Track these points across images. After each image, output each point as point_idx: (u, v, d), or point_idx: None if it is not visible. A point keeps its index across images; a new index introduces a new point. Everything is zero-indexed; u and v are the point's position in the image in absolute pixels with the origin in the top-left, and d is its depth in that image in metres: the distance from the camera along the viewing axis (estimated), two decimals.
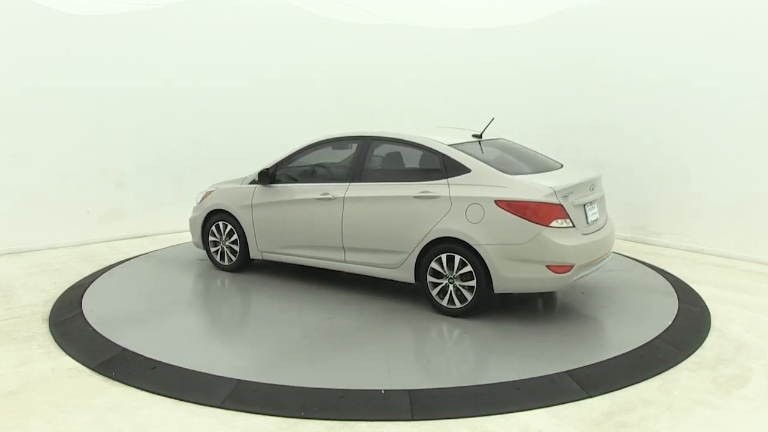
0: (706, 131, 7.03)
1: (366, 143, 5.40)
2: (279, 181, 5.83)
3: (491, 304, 5.11)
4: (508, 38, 9.13)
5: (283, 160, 5.85)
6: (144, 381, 3.79)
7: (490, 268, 4.57)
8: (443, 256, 4.77)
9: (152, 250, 7.23)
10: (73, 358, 4.20)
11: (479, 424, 3.30)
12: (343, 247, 5.34)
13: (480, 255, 4.58)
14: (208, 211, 6.26)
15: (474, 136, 5.40)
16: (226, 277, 6.15)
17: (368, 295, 5.40)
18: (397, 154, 5.37)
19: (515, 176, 4.71)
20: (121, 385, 3.78)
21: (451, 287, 4.78)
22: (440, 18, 9.50)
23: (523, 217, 4.46)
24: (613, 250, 5.29)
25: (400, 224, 4.96)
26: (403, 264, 5.02)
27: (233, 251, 6.18)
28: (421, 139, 5.14)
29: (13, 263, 6.69)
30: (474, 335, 4.50)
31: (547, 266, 4.45)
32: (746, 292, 5.61)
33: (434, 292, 4.88)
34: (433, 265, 4.83)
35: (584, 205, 4.79)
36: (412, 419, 3.35)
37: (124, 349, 4.22)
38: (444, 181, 4.85)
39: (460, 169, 4.83)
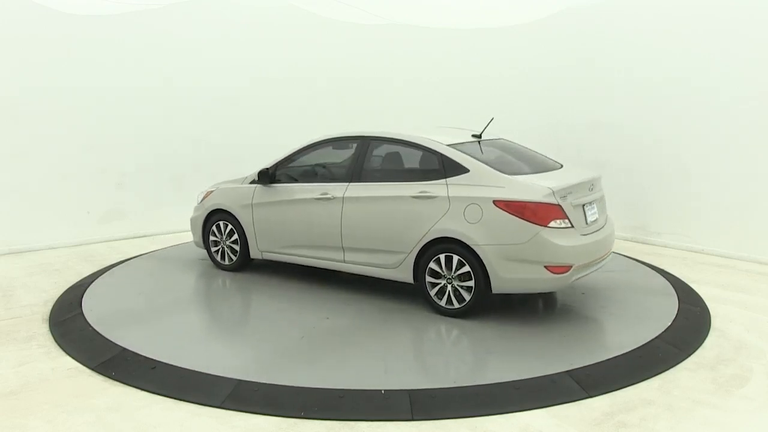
0: (706, 131, 7.03)
1: (365, 143, 5.40)
2: (279, 181, 5.84)
3: (492, 304, 5.11)
4: (508, 38, 9.13)
5: (282, 159, 5.86)
6: (144, 381, 3.79)
7: (488, 269, 4.56)
8: (441, 257, 4.77)
9: (152, 250, 7.23)
10: (73, 358, 4.20)
11: (479, 424, 3.30)
12: (342, 247, 5.34)
13: (478, 255, 4.58)
14: (208, 211, 6.28)
15: (473, 136, 5.40)
16: (227, 276, 6.15)
17: (367, 295, 5.40)
18: (396, 154, 5.37)
19: (514, 176, 4.70)
20: (121, 385, 3.78)
21: (449, 287, 4.78)
22: (440, 18, 9.50)
23: (521, 218, 4.45)
24: (613, 250, 5.29)
25: (398, 224, 4.96)
26: (401, 264, 5.02)
27: (234, 251, 6.19)
28: (420, 139, 5.14)
29: (13, 263, 6.69)
30: (473, 335, 4.50)
31: (545, 267, 4.45)
32: (746, 292, 5.61)
33: (433, 292, 4.88)
34: (432, 265, 4.83)
35: (583, 206, 4.78)
36: (412, 419, 3.35)
37: (124, 349, 4.22)
38: (442, 181, 4.85)
39: (458, 169, 4.82)
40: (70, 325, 4.75)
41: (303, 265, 5.88)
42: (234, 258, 6.20)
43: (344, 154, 5.62)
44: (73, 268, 6.47)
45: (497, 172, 4.72)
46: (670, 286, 5.66)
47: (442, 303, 4.83)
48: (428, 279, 4.88)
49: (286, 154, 5.86)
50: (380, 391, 3.59)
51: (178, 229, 8.12)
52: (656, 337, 4.39)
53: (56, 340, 4.51)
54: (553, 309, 5.11)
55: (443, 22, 9.49)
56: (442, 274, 4.79)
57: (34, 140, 7.22)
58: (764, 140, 6.55)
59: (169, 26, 8.16)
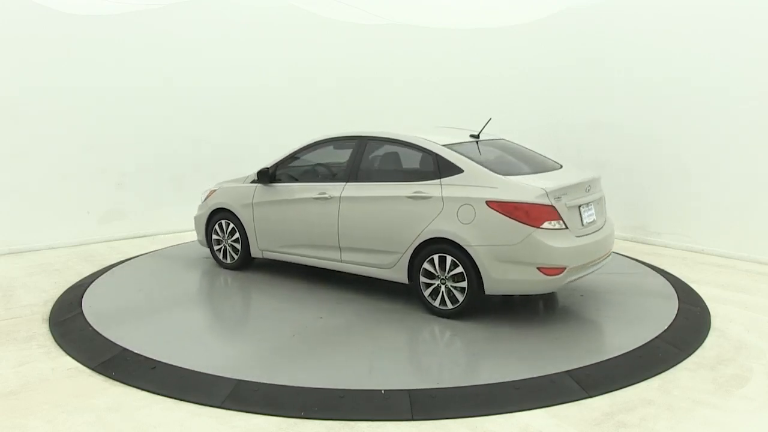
0: (706, 131, 7.03)
1: (362, 143, 5.40)
2: (279, 181, 5.86)
3: (492, 305, 5.11)
4: (508, 38, 9.13)
5: (282, 159, 5.89)
6: (144, 381, 3.79)
7: (480, 270, 4.54)
8: (435, 257, 4.75)
9: (152, 250, 7.24)
10: (73, 358, 4.20)
11: (479, 424, 3.30)
12: (339, 247, 5.35)
13: (471, 256, 4.56)
14: (211, 210, 6.34)
15: (471, 136, 5.39)
16: (228, 275, 6.17)
17: (364, 295, 5.41)
18: (392, 154, 5.37)
19: (507, 177, 4.66)
20: (121, 385, 3.78)
21: (443, 288, 4.77)
22: (440, 18, 9.50)
23: (513, 218, 4.43)
24: (613, 250, 5.28)
25: (393, 224, 4.96)
26: (396, 264, 5.01)
27: (235, 250, 6.22)
28: (415, 139, 5.13)
29: (13, 263, 6.69)
30: (466, 336, 4.48)
31: (538, 268, 4.41)
32: (746, 292, 5.61)
33: (427, 292, 4.87)
34: (426, 265, 4.82)
35: (579, 207, 4.73)
36: (412, 419, 3.35)
37: (124, 349, 4.22)
38: (437, 181, 4.84)
39: (452, 170, 4.81)
40: (70, 325, 4.75)
41: (303, 265, 5.88)
42: (235, 257, 6.22)
43: (342, 154, 5.63)
44: (73, 268, 6.47)
45: (491, 173, 4.69)
46: (670, 286, 5.66)
47: (436, 303, 4.82)
48: (422, 279, 4.87)
49: (286, 154, 5.88)
50: (380, 391, 3.59)
51: (178, 229, 8.13)
52: (656, 337, 4.39)
53: (56, 340, 4.51)
54: (553, 310, 5.11)
55: (443, 22, 9.49)
56: (436, 274, 4.78)
57: (34, 140, 7.22)
58: (764, 140, 6.55)
59: (169, 26, 8.16)
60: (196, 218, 6.58)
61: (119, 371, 3.93)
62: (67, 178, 7.49)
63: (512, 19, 9.11)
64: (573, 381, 3.72)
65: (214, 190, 6.44)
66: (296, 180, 5.81)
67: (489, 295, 4.79)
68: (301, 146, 5.82)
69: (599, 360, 4.01)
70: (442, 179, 4.82)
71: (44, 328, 4.76)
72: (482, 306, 5.01)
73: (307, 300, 5.33)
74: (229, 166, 8.06)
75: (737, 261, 6.69)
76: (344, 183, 5.34)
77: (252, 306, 5.51)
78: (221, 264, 6.40)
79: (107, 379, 3.87)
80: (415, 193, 4.88)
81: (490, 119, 5.52)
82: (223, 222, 6.25)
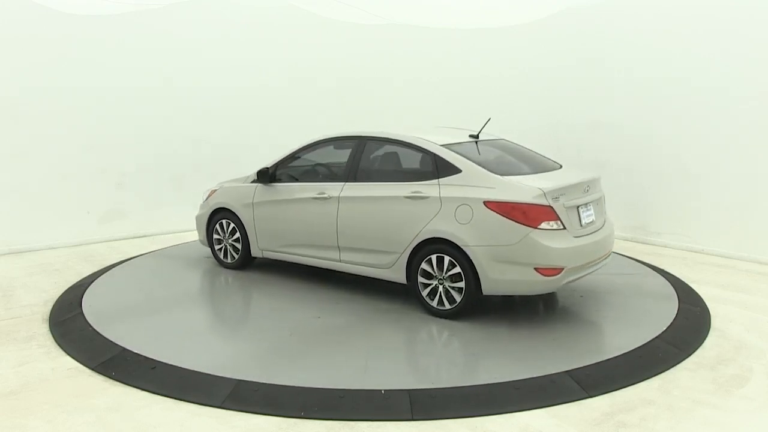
0: (706, 131, 7.03)
1: (361, 143, 5.40)
2: (279, 180, 5.87)
3: (492, 305, 5.11)
4: (508, 38, 9.13)
5: (282, 159, 5.89)
6: (144, 381, 3.79)
7: (478, 270, 4.53)
8: (433, 257, 4.75)
9: (152, 250, 7.24)
10: (73, 358, 4.20)
11: (479, 424, 3.30)
12: (338, 247, 5.35)
13: (468, 256, 4.55)
14: (212, 209, 6.36)
15: (471, 136, 5.39)
16: (229, 275, 6.18)
17: (363, 294, 5.41)
18: (391, 154, 5.36)
19: (505, 177, 4.65)
20: (121, 385, 3.78)
21: (440, 288, 4.76)
22: (440, 18, 9.50)
23: (511, 219, 4.41)
24: (613, 250, 5.27)
25: (392, 224, 4.96)
26: (395, 264, 5.01)
27: (236, 249, 6.23)
28: (414, 138, 5.13)
29: (13, 263, 6.69)
30: (462, 336, 4.47)
31: (535, 269, 4.40)
32: (746, 292, 5.61)
33: (425, 292, 4.86)
34: (424, 265, 4.81)
35: (578, 207, 4.71)
36: (412, 419, 3.35)
37: (124, 349, 4.22)
38: (435, 181, 4.83)
39: (450, 170, 4.80)
40: (70, 325, 4.75)
41: (303, 264, 5.88)
42: (236, 256, 6.24)
43: (341, 154, 5.63)
44: (73, 268, 6.47)
45: (488, 173, 4.67)
46: (670, 286, 5.66)
47: (434, 304, 4.81)
48: (420, 279, 4.86)
49: (286, 154, 5.88)
50: (380, 391, 3.59)
51: (179, 229, 8.13)
52: (656, 337, 4.39)
53: (56, 340, 4.51)
54: (553, 310, 5.11)
55: (443, 22, 9.49)
56: (434, 274, 4.78)
57: (34, 140, 7.22)
58: (764, 140, 6.55)
59: (169, 26, 8.16)
60: (197, 218, 6.61)
61: (119, 371, 3.93)
62: (67, 178, 7.49)
63: (512, 19, 9.11)
64: (573, 381, 3.72)
65: (215, 190, 6.45)
66: (296, 180, 5.81)
67: (490, 296, 4.80)
68: (301, 146, 5.83)
69: (599, 360, 4.01)
70: (440, 179, 4.81)
71: (44, 328, 4.76)
72: (482, 306, 5.01)
73: (306, 299, 5.33)
74: (229, 166, 8.06)
75: (737, 261, 6.69)
76: (343, 183, 5.34)
77: (251, 305, 5.51)
78: (222, 263, 6.41)
79: (107, 379, 3.87)
80: (413, 193, 4.88)
81: (489, 119, 5.52)
82: (224, 221, 6.26)
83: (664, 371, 3.93)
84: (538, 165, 5.19)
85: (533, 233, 4.38)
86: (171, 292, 5.60)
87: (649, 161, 7.61)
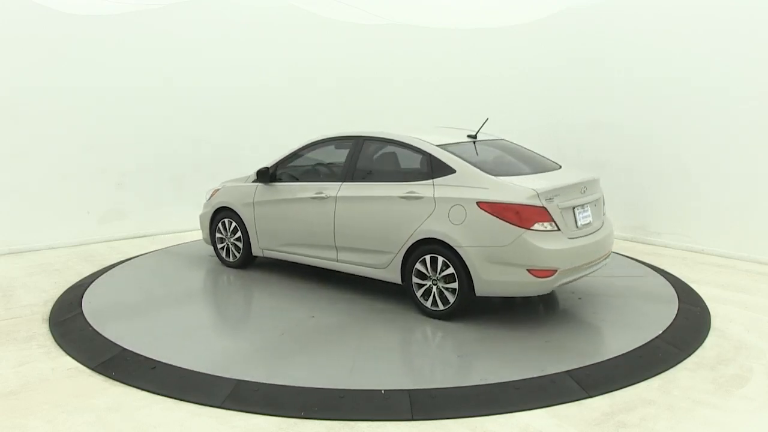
0: (706, 131, 7.03)
1: (358, 143, 5.41)
2: (279, 180, 5.89)
3: (491, 307, 5.11)
4: (508, 38, 9.13)
5: (282, 159, 5.91)
6: (144, 381, 3.79)
7: (470, 271, 4.51)
8: (427, 258, 4.74)
9: (152, 250, 7.24)
10: (73, 358, 4.20)
11: (479, 424, 3.30)
12: (336, 246, 5.36)
13: (461, 257, 4.53)
14: (215, 209, 6.39)
15: (469, 136, 5.38)
16: (230, 274, 6.21)
17: (361, 294, 5.41)
18: (387, 154, 5.36)
19: (499, 177, 4.61)
20: (121, 385, 3.78)
21: (434, 289, 4.75)
22: (440, 18, 9.50)
23: (504, 219, 4.39)
24: (613, 250, 5.26)
25: (387, 224, 4.95)
26: (390, 264, 5.01)
27: (238, 248, 6.27)
28: (409, 138, 5.12)
29: (13, 263, 6.69)
30: (456, 337, 4.45)
31: (528, 270, 4.36)
32: (746, 292, 5.61)
33: (419, 293, 4.85)
34: (418, 266, 4.80)
35: (574, 208, 4.67)
36: (412, 419, 3.35)
37: (124, 349, 4.22)
38: (430, 181, 4.82)
39: (445, 170, 4.78)
40: (70, 325, 4.75)
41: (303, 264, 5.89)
42: (238, 255, 6.28)
43: (340, 154, 5.64)
44: (73, 268, 6.47)
45: (482, 173, 4.65)
46: (670, 286, 5.66)
47: (428, 304, 4.80)
48: (415, 280, 4.86)
49: (286, 154, 5.90)
50: (380, 391, 3.59)
51: (178, 229, 8.14)
52: (656, 337, 4.38)
53: (56, 340, 4.51)
54: (553, 311, 5.10)
55: (443, 22, 9.49)
56: (428, 275, 4.77)
57: (34, 140, 7.22)
58: (764, 140, 6.55)
59: (169, 26, 8.16)
60: (200, 217, 6.66)
61: (119, 371, 3.93)
62: (67, 178, 7.49)
63: (512, 19, 9.11)
64: (573, 381, 3.72)
65: (218, 189, 6.49)
66: (295, 179, 5.83)
67: (490, 298, 4.79)
68: (300, 146, 5.84)
69: (599, 360, 4.01)
70: (434, 179, 4.80)
71: (44, 328, 4.76)
72: (480, 307, 5.01)
73: (305, 299, 5.34)
74: (229, 166, 8.07)
75: (737, 261, 6.69)
76: (340, 183, 5.35)
77: (249, 305, 5.51)
78: (224, 262, 6.46)
79: (107, 379, 3.87)
80: (408, 193, 4.87)
81: (487, 119, 5.51)
82: (226, 221, 6.31)
83: (664, 371, 3.93)
84: (537, 165, 5.16)
85: (526, 234, 4.35)
86: (171, 292, 5.60)
87: (649, 161, 7.61)
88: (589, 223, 4.82)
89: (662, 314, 4.86)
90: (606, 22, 8.05)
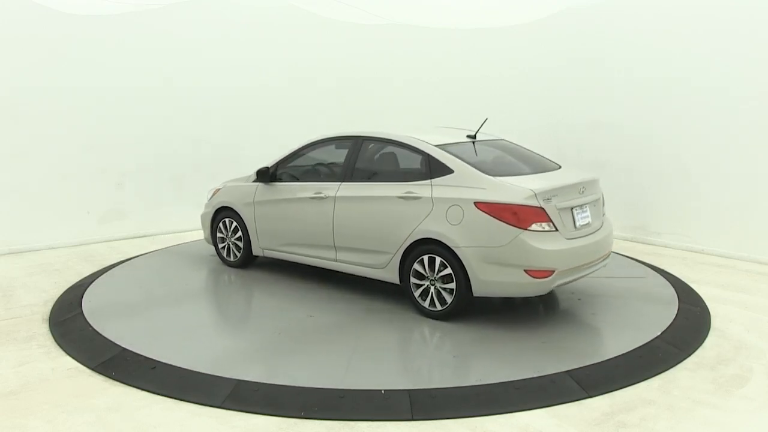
0: (706, 131, 7.03)
1: (357, 143, 5.41)
2: (279, 180, 5.90)
3: (491, 307, 5.11)
4: (508, 38, 9.13)
5: (282, 159, 5.92)
6: (144, 381, 3.79)
7: (468, 271, 4.49)
8: (425, 258, 4.73)
9: (152, 250, 7.24)
10: (73, 358, 4.20)
11: (479, 424, 3.30)
12: (335, 246, 5.36)
13: (459, 257, 4.52)
14: (216, 208, 6.41)
15: (468, 136, 5.37)
16: (232, 273, 6.22)
17: (361, 294, 5.42)
18: (386, 155, 5.36)
19: (497, 178, 4.60)
20: (121, 385, 3.78)
21: (432, 289, 4.75)
22: (440, 18, 9.50)
23: (501, 220, 4.37)
24: (613, 250, 5.26)
25: (385, 224, 4.95)
26: (388, 264, 5.00)
27: (238, 248, 6.28)
28: (408, 138, 5.12)
29: (13, 263, 6.69)
30: (453, 337, 4.45)
31: (525, 270, 4.35)
32: (746, 292, 5.61)
33: (417, 293, 4.85)
34: (416, 266, 4.80)
35: (572, 209, 4.65)
36: (412, 419, 3.35)
37: (124, 349, 4.22)
38: (428, 181, 4.81)
39: (443, 170, 4.77)
40: (70, 325, 4.75)
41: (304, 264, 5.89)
42: (239, 255, 6.30)
43: (339, 154, 5.65)
44: (73, 268, 6.47)
45: (480, 173, 4.63)
46: (670, 286, 5.66)
47: (426, 304, 4.80)
48: (413, 280, 4.85)
49: (286, 154, 5.91)
50: (380, 391, 3.59)
51: (178, 229, 8.14)
52: (656, 337, 4.38)
53: (56, 340, 4.51)
54: (553, 311, 5.10)
55: (443, 22, 9.49)
56: (426, 275, 4.77)
57: (34, 140, 7.22)
58: (764, 140, 6.55)
59: (169, 26, 8.16)
60: (202, 216, 6.68)
61: (119, 371, 3.93)
62: (67, 178, 7.49)
63: (512, 19, 9.11)
64: (573, 381, 3.72)
65: (220, 189, 6.51)
66: (295, 179, 5.83)
67: (490, 298, 4.79)
68: (300, 146, 5.84)
69: (599, 360, 4.01)
70: (432, 179, 4.80)
71: (44, 328, 4.76)
72: (477, 308, 5.01)
73: (305, 298, 5.35)
74: (229, 166, 8.07)
75: (737, 261, 6.69)
76: (339, 183, 5.35)
77: (249, 304, 5.51)
78: (225, 262, 6.47)
79: (107, 379, 3.87)
80: (406, 193, 4.87)
81: (486, 119, 5.50)
82: (227, 220, 6.32)
83: (664, 371, 3.93)
84: (536, 165, 5.15)
85: (523, 235, 4.33)
86: (171, 292, 5.60)
87: (649, 161, 7.61)
88: (588, 224, 4.81)
89: (662, 314, 4.86)
90: (606, 22, 8.05)
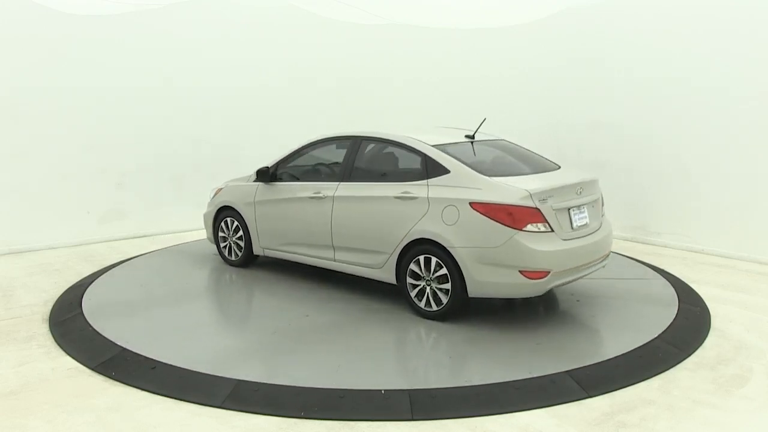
0: (706, 131, 7.03)
1: (356, 143, 5.41)
2: (279, 179, 5.91)
3: (492, 307, 5.11)
4: (508, 38, 9.13)
5: (282, 159, 5.93)
6: (144, 381, 3.79)
7: (463, 272, 4.48)
8: (421, 258, 4.73)
9: (152, 250, 7.24)
10: (73, 358, 4.20)
11: (479, 424, 3.30)
12: (333, 246, 5.37)
13: (454, 258, 4.51)
14: (217, 208, 6.44)
15: (467, 137, 5.36)
16: (232, 273, 6.22)
17: (360, 294, 5.42)
18: (384, 155, 5.37)
19: (492, 178, 4.58)
20: (121, 385, 3.78)
21: (428, 289, 4.74)
22: (440, 18, 9.50)
23: (496, 220, 4.36)
24: (612, 250, 5.25)
25: (382, 224, 4.95)
26: (385, 264, 5.00)
27: (239, 247, 6.31)
28: (405, 138, 5.11)
29: (13, 263, 6.69)
30: (449, 338, 4.44)
31: (520, 271, 4.32)
32: (746, 292, 5.61)
33: (413, 293, 4.84)
34: (412, 266, 4.80)
35: (569, 209, 4.62)
36: (412, 419, 3.35)
37: (124, 348, 4.22)
38: (424, 182, 4.81)
39: (439, 170, 4.77)
40: (70, 325, 4.75)
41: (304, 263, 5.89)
42: (240, 254, 6.32)
43: (338, 154, 5.66)
44: (73, 268, 6.47)
45: (476, 173, 4.62)
46: (670, 286, 5.66)
47: (422, 305, 4.80)
48: (409, 280, 4.85)
49: (286, 154, 5.92)
50: (380, 391, 3.59)
51: (178, 229, 8.14)
52: (656, 337, 4.38)
53: (56, 340, 4.51)
54: (553, 312, 5.10)
55: (443, 22, 9.49)
56: (422, 275, 4.76)
57: (34, 140, 7.22)
58: (764, 140, 6.55)
59: (169, 26, 8.16)
60: (204, 215, 6.71)
61: (119, 371, 3.93)
62: (67, 178, 7.49)
63: (512, 19, 9.11)
64: (573, 381, 3.72)
65: (222, 188, 6.53)
66: (295, 179, 5.84)
67: (489, 298, 4.79)
68: (300, 146, 5.85)
69: (599, 360, 4.02)
70: (429, 180, 4.79)
71: (44, 328, 4.76)
72: (478, 308, 5.01)
73: (304, 298, 5.35)
74: (229, 166, 8.07)
75: (737, 261, 6.69)
76: (338, 182, 5.36)
77: (248, 303, 5.52)
78: (226, 261, 6.50)
79: (107, 379, 3.87)
80: (402, 193, 4.86)
81: (484, 119, 5.49)
82: (228, 219, 6.35)
83: (664, 371, 3.93)
84: (535, 166, 5.13)
85: (518, 235, 4.31)
86: (171, 292, 5.60)
87: (649, 161, 7.61)
88: (586, 225, 4.78)
89: (662, 314, 4.86)
90: (606, 22, 8.05)
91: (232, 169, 7.53)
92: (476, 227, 4.43)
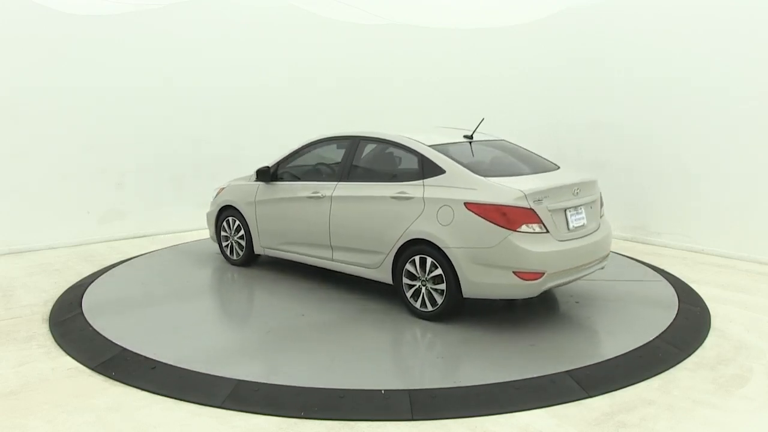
0: (706, 131, 7.03)
1: (354, 143, 5.42)
2: (279, 179, 5.93)
3: (492, 308, 5.11)
4: (508, 38, 9.14)
5: (282, 158, 5.95)
6: (144, 381, 3.79)
7: (458, 272, 4.47)
8: (416, 258, 4.72)
9: (152, 250, 7.24)
10: (73, 358, 4.20)
11: (479, 424, 3.30)
12: (331, 246, 5.37)
13: (449, 258, 4.50)
14: (220, 207, 6.47)
15: (465, 137, 5.35)
16: (233, 272, 6.24)
17: (359, 294, 5.42)
18: (381, 155, 5.37)
19: (488, 178, 4.56)
20: (121, 385, 3.78)
21: (423, 290, 4.74)
22: (440, 18, 9.50)
23: (490, 221, 4.34)
24: (613, 250, 5.24)
25: (378, 224, 4.95)
26: (381, 264, 5.00)
27: (241, 246, 6.32)
28: (402, 138, 5.11)
29: (13, 263, 6.69)
30: (444, 339, 4.44)
31: (514, 272, 4.30)
32: (746, 292, 5.61)
33: (409, 294, 4.84)
34: (408, 266, 4.79)
35: (565, 210, 4.60)
36: (412, 419, 3.35)
37: (124, 348, 4.22)
38: (420, 182, 4.80)
39: (435, 170, 4.76)
40: (70, 325, 4.75)
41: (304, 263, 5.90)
42: (241, 253, 6.34)
43: (337, 154, 5.67)
44: (73, 268, 6.47)
45: (471, 174, 4.60)
46: (670, 286, 5.66)
47: (417, 305, 4.79)
48: (405, 280, 4.84)
49: (286, 153, 5.93)
50: (380, 391, 3.59)
51: (178, 229, 8.14)
52: (656, 337, 4.38)
53: (56, 340, 4.51)
54: (554, 312, 5.10)
55: (443, 22, 9.49)
56: (417, 276, 4.76)
57: (34, 140, 7.22)
58: (764, 140, 6.55)
59: (169, 26, 8.16)
60: (207, 215, 6.75)
61: (119, 371, 3.93)
62: (67, 178, 7.49)
63: (512, 19, 9.11)
64: (573, 381, 3.72)
65: (224, 188, 6.56)
66: (295, 179, 5.85)
67: (487, 299, 4.79)
68: (300, 146, 5.87)
69: (599, 360, 4.02)
70: (425, 180, 4.78)
71: (44, 328, 4.76)
72: (475, 309, 5.01)
73: (304, 298, 5.36)
74: (229, 166, 8.07)
75: (737, 261, 6.69)
76: (336, 182, 5.37)
77: (252, 303, 5.52)
78: (228, 260, 6.53)
79: (107, 379, 3.87)
80: (398, 193, 4.86)
81: (483, 119, 5.48)
82: (230, 219, 6.37)
83: (664, 371, 3.93)
84: (533, 166, 5.11)
85: (512, 236, 4.29)
86: (171, 292, 5.60)
87: (649, 161, 7.61)
88: (583, 225, 4.74)
89: (662, 314, 4.86)
90: (606, 22, 8.05)
91: (232, 169, 7.53)
92: (471, 228, 4.42)
